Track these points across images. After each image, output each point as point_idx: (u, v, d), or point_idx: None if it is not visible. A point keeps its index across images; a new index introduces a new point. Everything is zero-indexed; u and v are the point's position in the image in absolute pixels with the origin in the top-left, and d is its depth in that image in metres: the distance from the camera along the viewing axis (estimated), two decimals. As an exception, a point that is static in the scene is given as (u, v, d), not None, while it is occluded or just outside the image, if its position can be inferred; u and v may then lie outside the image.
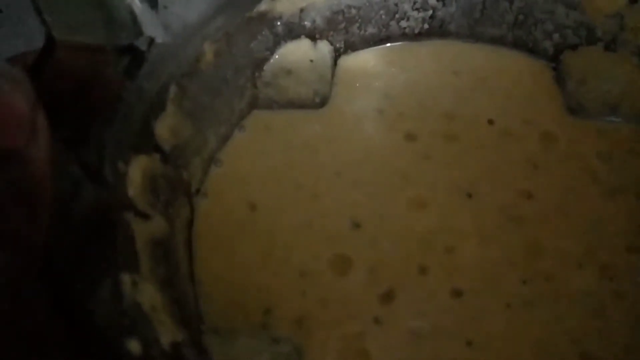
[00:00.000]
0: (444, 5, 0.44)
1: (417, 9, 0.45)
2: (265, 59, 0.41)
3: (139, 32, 0.33)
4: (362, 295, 0.34)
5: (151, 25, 0.33)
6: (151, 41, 0.33)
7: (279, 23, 0.41)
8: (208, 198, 0.38)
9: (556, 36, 0.43)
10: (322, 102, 0.42)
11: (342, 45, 0.45)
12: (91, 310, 0.21)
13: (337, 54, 0.45)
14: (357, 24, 0.44)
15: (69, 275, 0.21)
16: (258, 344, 0.30)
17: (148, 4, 0.34)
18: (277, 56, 0.42)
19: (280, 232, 0.36)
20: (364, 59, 0.46)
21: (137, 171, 0.29)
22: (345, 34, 0.45)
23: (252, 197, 0.38)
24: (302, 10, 0.42)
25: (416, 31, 0.46)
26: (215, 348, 0.29)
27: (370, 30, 0.45)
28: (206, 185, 0.38)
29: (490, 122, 0.41)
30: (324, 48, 0.44)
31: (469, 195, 0.38)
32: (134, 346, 0.22)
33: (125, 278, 0.24)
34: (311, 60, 0.42)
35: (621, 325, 0.32)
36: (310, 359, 0.31)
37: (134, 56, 0.33)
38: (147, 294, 0.25)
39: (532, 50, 0.45)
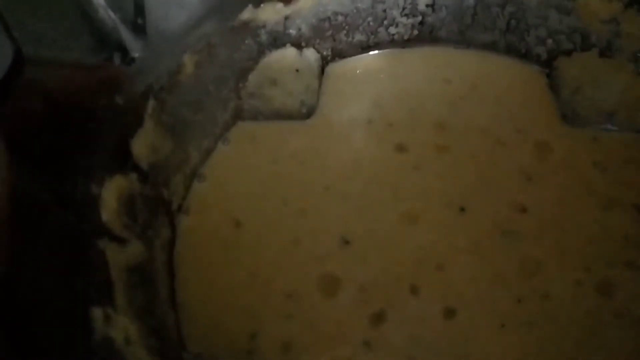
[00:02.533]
0: (433, 11, 0.43)
1: (406, 15, 0.43)
2: (250, 69, 0.40)
3: (115, 47, 0.32)
4: (351, 317, 0.32)
5: (128, 39, 0.32)
6: (128, 55, 0.32)
7: (262, 32, 0.39)
8: (190, 215, 0.36)
9: (550, 42, 0.42)
10: (309, 112, 0.41)
11: (330, 53, 0.44)
12: (51, 351, 0.20)
13: (325, 62, 0.44)
14: (345, 31, 0.43)
15: (27, 313, 0.20)
16: (242, 373, 0.29)
17: (129, 22, 0.32)
18: (261, 66, 0.40)
19: (266, 250, 0.35)
20: (353, 67, 0.44)
21: (112, 193, 0.28)
22: (333, 42, 0.43)
23: (236, 213, 0.36)
24: (286, 18, 0.40)
25: (406, 37, 0.44)
26: (196, 378, 0.28)
27: (358, 37, 0.44)
28: (188, 202, 0.36)
29: (483, 131, 0.40)
30: (311, 56, 0.42)
31: (462, 209, 0.36)
32: (103, 390, 0.20)
33: (97, 313, 0.23)
34: (297, 70, 0.41)
35: (620, 347, 0.31)
36: (297, 386, 0.30)
37: (112, 72, 0.32)
38: (121, 327, 0.24)
39: (525, 56, 0.43)
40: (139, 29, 0.32)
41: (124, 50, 0.31)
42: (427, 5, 0.43)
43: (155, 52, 0.33)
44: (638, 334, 0.31)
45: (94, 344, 0.21)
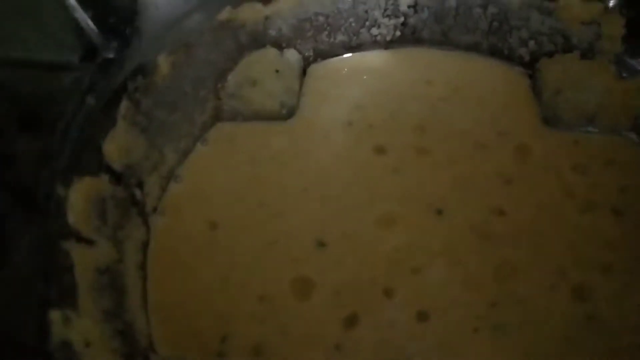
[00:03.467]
0: (415, 12, 0.43)
1: (388, 16, 0.43)
2: (229, 69, 0.40)
3: (88, 47, 0.31)
4: (324, 320, 0.32)
5: (100, 40, 0.32)
6: (101, 56, 0.32)
7: (242, 32, 0.39)
8: (166, 216, 0.36)
9: (532, 43, 0.42)
10: (290, 113, 0.41)
11: (312, 54, 0.43)
12: (5, 351, 0.19)
13: (307, 63, 0.43)
14: (326, 32, 0.43)
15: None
16: (209, 376, 0.29)
17: (102, 22, 0.32)
18: (241, 66, 0.40)
19: (241, 253, 0.35)
20: (334, 68, 0.44)
21: (80, 195, 0.28)
22: (314, 42, 0.43)
23: (213, 215, 0.36)
24: (266, 18, 0.40)
25: (388, 38, 0.44)
26: (163, 380, 0.28)
27: (340, 37, 0.43)
28: (164, 203, 0.36)
29: (464, 134, 0.40)
30: (292, 57, 0.42)
31: (439, 212, 0.36)
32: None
33: (55, 315, 0.22)
34: (277, 70, 0.41)
35: (595, 352, 0.31)
36: (267, 390, 0.30)
37: (84, 72, 0.31)
38: (82, 330, 0.23)
39: (508, 57, 0.43)
40: (112, 28, 0.32)
41: (96, 51, 0.31)
42: (409, 6, 0.43)
43: (129, 52, 0.33)
44: (612, 338, 0.31)
45: (50, 347, 0.21)
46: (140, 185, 0.34)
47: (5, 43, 0.29)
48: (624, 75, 0.39)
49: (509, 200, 0.37)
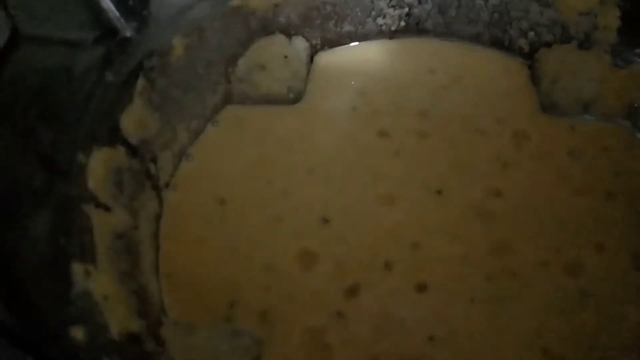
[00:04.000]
0: (419, 2, 0.44)
1: (393, 7, 0.45)
2: (239, 54, 0.41)
3: (107, 26, 0.33)
4: (326, 289, 0.34)
5: (119, 20, 0.33)
6: (120, 35, 0.34)
7: (252, 18, 0.41)
8: (177, 192, 0.38)
9: (531, 34, 0.43)
10: (296, 98, 0.42)
11: (319, 42, 0.45)
12: (33, 296, 0.21)
13: (314, 51, 0.45)
14: (333, 21, 0.45)
15: (12, 259, 0.21)
16: (218, 337, 0.30)
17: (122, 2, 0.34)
18: (251, 51, 0.42)
19: (248, 227, 0.36)
20: (341, 56, 0.46)
21: (99, 163, 0.29)
22: (322, 31, 0.45)
23: (222, 192, 0.38)
24: (276, 5, 0.42)
25: (393, 28, 0.46)
26: (174, 340, 0.29)
27: (347, 27, 0.45)
28: (175, 179, 0.38)
29: (464, 120, 0.41)
30: (299, 44, 0.44)
31: (439, 192, 0.38)
32: (77, 333, 0.22)
33: (77, 267, 0.24)
34: (285, 56, 0.43)
35: (586, 324, 0.32)
36: (272, 352, 0.31)
37: (103, 50, 0.33)
38: (101, 284, 0.25)
39: (508, 48, 0.45)
40: (131, 10, 0.34)
41: (116, 30, 0.33)
42: (413, -3, 0.44)
43: (146, 33, 0.34)
44: (602, 313, 0.33)
45: (73, 294, 0.23)
46: (154, 160, 0.36)
47: (31, 20, 0.31)
48: (619, 65, 0.40)
49: (506, 183, 0.38)
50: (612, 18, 0.40)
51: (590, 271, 0.34)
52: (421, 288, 0.34)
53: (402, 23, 0.46)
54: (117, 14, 0.33)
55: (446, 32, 0.46)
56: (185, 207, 0.37)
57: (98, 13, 0.32)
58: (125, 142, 0.33)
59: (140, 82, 0.34)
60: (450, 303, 0.33)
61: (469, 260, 0.34)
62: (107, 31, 0.33)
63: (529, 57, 0.44)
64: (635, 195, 0.37)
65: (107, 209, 0.30)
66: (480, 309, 0.33)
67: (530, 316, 0.33)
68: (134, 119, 0.34)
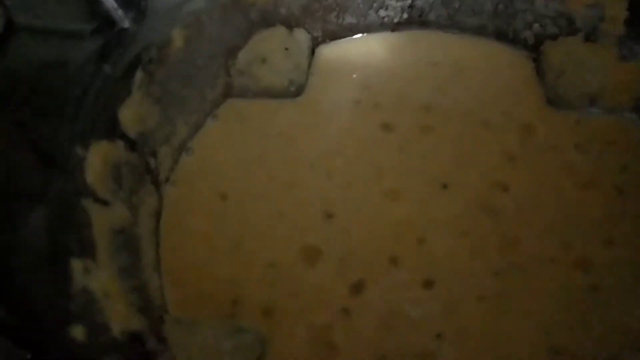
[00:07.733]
0: (422, -6, 0.44)
1: (395, -2, 0.44)
2: (239, 47, 0.41)
3: (105, 17, 0.32)
4: (331, 285, 0.33)
5: (117, 10, 0.33)
6: (117, 26, 0.33)
7: (253, 10, 0.40)
8: (177, 187, 0.37)
9: (536, 26, 0.43)
10: (298, 91, 0.42)
11: (320, 34, 0.44)
12: (31, 293, 0.20)
13: (316, 43, 0.44)
14: (335, 13, 0.44)
15: (9, 255, 0.20)
16: (221, 335, 0.29)
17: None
18: (251, 44, 0.41)
19: (251, 222, 0.36)
20: (343, 49, 0.45)
21: (97, 156, 0.29)
22: (323, 23, 0.44)
23: (223, 186, 0.37)
24: (277, -3, 0.41)
25: (395, 20, 0.45)
26: (176, 337, 0.28)
27: (349, 19, 0.44)
28: (176, 174, 0.37)
29: (468, 113, 0.41)
30: (301, 36, 0.43)
31: (444, 186, 0.37)
32: (77, 332, 0.21)
33: (76, 263, 0.23)
34: (286, 48, 0.42)
35: (594, 319, 0.32)
36: (276, 349, 0.31)
37: (101, 41, 0.32)
38: (100, 281, 0.24)
39: (512, 40, 0.44)
40: (129, 0, 0.33)
41: (113, 21, 0.32)
42: (416, -11, 0.44)
43: (145, 24, 0.34)
44: (611, 308, 0.32)
45: (72, 291, 0.22)
46: (154, 154, 0.35)
47: (26, 12, 0.30)
48: (626, 57, 0.40)
49: (513, 177, 0.37)
50: (619, 9, 0.39)
51: (599, 266, 0.34)
52: (428, 284, 0.33)
53: (405, 15, 0.45)
54: (115, 4, 0.32)
55: (449, 24, 0.45)
56: (186, 202, 0.36)
57: (95, 3, 0.32)
58: (124, 136, 0.32)
59: (139, 75, 0.33)
60: (458, 299, 0.32)
61: (477, 255, 0.34)
62: (105, 22, 0.32)
63: (534, 49, 0.43)
64: (643, 188, 0.37)
65: (106, 203, 0.29)
66: (488, 305, 0.32)
67: (538, 312, 0.32)
68: (133, 112, 0.33)
